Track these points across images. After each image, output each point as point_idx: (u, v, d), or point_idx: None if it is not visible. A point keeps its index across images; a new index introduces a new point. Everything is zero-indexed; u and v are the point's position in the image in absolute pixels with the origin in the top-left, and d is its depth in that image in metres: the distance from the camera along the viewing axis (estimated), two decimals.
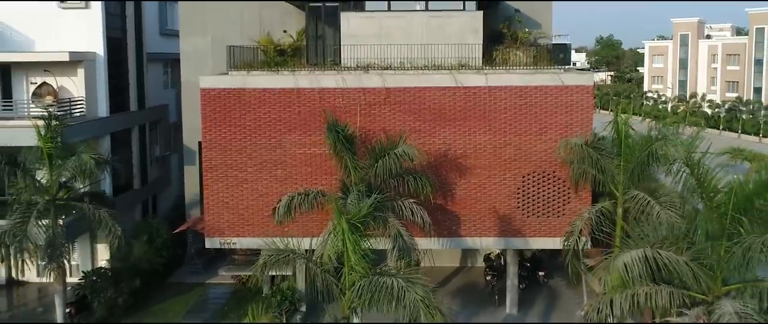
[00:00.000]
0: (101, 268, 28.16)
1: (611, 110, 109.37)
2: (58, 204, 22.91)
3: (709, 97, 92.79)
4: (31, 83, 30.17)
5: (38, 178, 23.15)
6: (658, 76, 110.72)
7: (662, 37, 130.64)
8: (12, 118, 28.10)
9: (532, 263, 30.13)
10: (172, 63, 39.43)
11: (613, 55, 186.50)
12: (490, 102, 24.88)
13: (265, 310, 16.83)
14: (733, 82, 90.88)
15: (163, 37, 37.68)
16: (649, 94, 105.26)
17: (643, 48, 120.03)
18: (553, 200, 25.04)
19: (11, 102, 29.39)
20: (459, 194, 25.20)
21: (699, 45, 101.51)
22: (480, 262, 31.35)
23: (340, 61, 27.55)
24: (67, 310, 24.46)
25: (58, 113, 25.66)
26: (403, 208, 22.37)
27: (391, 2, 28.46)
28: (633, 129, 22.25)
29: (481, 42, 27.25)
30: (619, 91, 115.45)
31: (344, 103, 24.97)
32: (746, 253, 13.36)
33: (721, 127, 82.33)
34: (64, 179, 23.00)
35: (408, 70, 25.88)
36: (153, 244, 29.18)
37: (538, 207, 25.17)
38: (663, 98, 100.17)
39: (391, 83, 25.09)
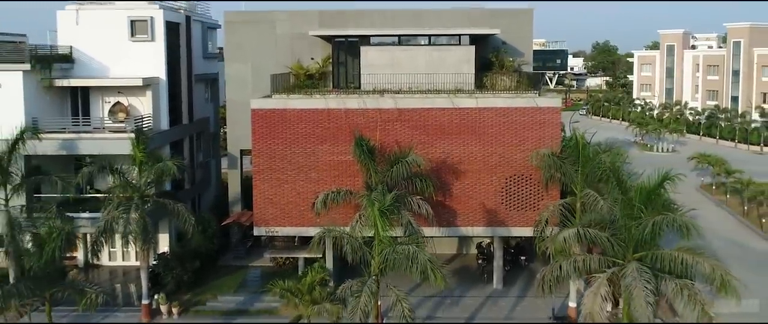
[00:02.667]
0: (165, 252, 34.84)
1: (602, 116, 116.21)
2: (145, 199, 29.51)
3: (692, 104, 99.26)
4: (106, 102, 36.87)
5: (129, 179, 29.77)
6: (647, 84, 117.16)
7: (657, 44, 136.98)
8: (89, 132, 34.72)
9: (516, 250, 36.69)
10: (211, 81, 46.20)
11: (609, 61, 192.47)
12: (480, 120, 31.49)
13: (318, 270, 23.07)
14: (713, 91, 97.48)
15: (205, 60, 44.33)
16: (637, 102, 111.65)
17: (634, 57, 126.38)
18: (530, 197, 31.68)
19: (89, 118, 36.02)
20: (455, 192, 31.83)
21: (684, 55, 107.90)
22: (473, 250, 37.88)
23: (360, 86, 34.28)
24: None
25: (136, 127, 32.35)
26: (411, 203, 28.89)
27: (401, 37, 35.28)
28: (588, 143, 28.85)
29: (473, 71, 34.03)
30: (609, 98, 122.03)
31: (365, 121, 31.55)
32: (645, 230, 19.97)
33: (700, 134, 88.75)
34: (149, 180, 29.56)
35: (415, 93, 32.54)
36: (206, 233, 35.76)
37: (518, 202, 31.81)
38: (649, 105, 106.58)
39: (401, 105, 31.69)
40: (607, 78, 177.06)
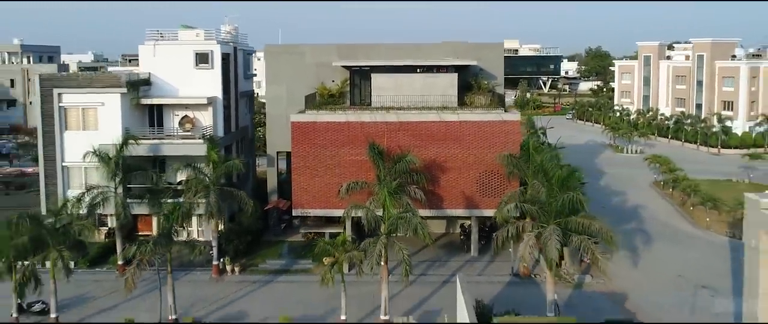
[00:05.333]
0: (221, 229, 45.83)
1: (586, 120, 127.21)
2: (216, 188, 40.61)
3: (664, 111, 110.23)
4: (175, 115, 48.02)
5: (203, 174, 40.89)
6: (627, 91, 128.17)
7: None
8: (163, 139, 45.83)
9: (490, 229, 47.64)
10: (249, 97, 57.36)
11: (601, 66, 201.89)
12: (460, 130, 42.56)
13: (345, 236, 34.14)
14: (681, 98, 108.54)
15: (245, 80, 55.50)
16: (616, 107, 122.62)
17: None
18: (497, 187, 42.78)
19: (163, 128, 47.15)
20: (442, 183, 42.91)
21: (659, 65, 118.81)
22: (457, 230, 48.95)
23: (371, 103, 45.42)
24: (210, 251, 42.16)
25: (205, 135, 43.49)
26: (409, 190, 39.85)
27: (402, 67, 46.48)
28: (537, 149, 39.97)
29: (456, 93, 45.15)
30: (592, 104, 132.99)
31: (375, 130, 42.57)
32: (557, 203, 31.08)
33: (669, 137, 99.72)
34: (219, 174, 40.64)
35: (412, 110, 43.61)
36: (253, 215, 46.81)
37: (488, 191, 42.91)
38: (627, 111, 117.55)
39: (402, 118, 42.73)
40: (599, 82, 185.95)
